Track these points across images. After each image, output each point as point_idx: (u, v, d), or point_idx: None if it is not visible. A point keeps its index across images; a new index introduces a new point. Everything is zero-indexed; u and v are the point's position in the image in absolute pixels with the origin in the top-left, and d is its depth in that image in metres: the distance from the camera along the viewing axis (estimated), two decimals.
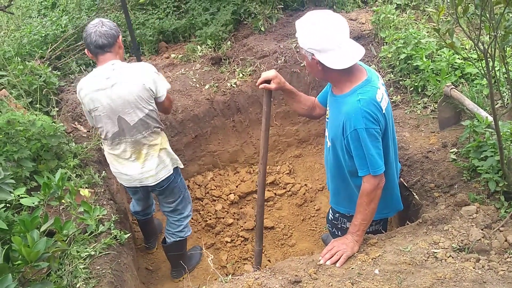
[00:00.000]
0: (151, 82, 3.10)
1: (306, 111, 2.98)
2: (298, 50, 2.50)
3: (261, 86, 2.74)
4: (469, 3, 2.18)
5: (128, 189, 3.60)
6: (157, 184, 3.39)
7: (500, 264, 2.34)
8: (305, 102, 2.94)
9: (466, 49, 4.31)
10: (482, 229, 2.59)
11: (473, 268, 2.31)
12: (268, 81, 2.73)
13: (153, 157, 3.29)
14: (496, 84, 3.21)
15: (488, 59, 2.30)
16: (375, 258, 2.45)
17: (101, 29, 2.99)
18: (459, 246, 2.49)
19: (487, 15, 2.13)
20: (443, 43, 4.31)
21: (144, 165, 3.29)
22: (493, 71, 2.35)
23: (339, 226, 2.98)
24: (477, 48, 2.24)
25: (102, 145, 3.53)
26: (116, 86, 3.01)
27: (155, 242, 4.35)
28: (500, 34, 2.15)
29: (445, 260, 2.38)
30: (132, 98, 3.04)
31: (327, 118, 2.69)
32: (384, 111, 2.42)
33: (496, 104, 2.72)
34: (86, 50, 3.13)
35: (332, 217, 3.03)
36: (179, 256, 3.91)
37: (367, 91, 2.38)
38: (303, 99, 2.93)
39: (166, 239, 3.82)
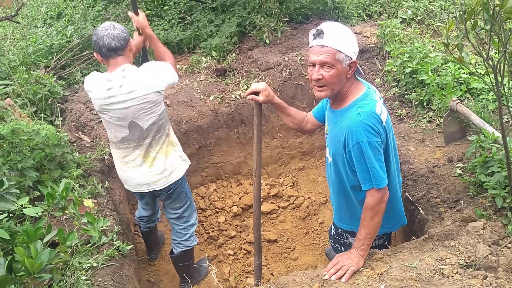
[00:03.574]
0: (161, 84, 3.13)
1: (297, 125, 2.96)
2: (325, 57, 2.34)
3: (249, 97, 2.74)
4: (478, 18, 2.17)
5: (135, 194, 3.58)
6: (165, 188, 3.38)
7: (508, 282, 2.30)
8: (296, 116, 2.93)
9: (471, 64, 4.31)
10: (489, 246, 2.55)
11: (481, 285, 2.27)
12: (257, 93, 2.72)
13: (161, 160, 3.30)
14: (503, 99, 3.20)
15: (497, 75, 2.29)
16: (380, 274, 2.41)
17: (114, 31, 2.99)
18: (466, 262, 2.45)
19: (496, 30, 2.12)
20: (448, 58, 4.34)
21: (152, 169, 3.28)
22: (502, 87, 2.33)
23: (342, 241, 2.93)
24: (486, 63, 2.23)
25: (110, 160, 3.51)
26: (130, 94, 3.03)
27: (158, 254, 4.31)
28: (510, 50, 2.14)
29: (452, 276, 2.34)
30: (146, 103, 3.08)
31: (326, 135, 2.68)
32: (384, 124, 2.41)
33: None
34: (95, 53, 3.10)
35: (334, 233, 2.99)
36: (187, 267, 3.87)
37: (366, 104, 2.37)
38: (293, 113, 2.92)
39: (173, 249, 3.78)
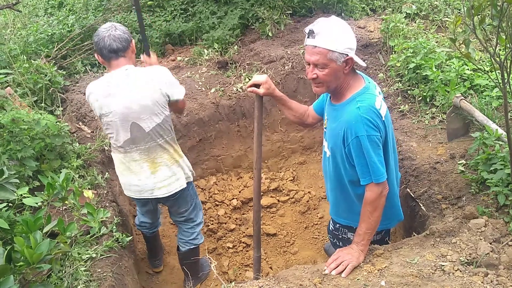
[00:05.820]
0: (167, 87, 3.00)
1: (298, 119, 2.96)
2: (317, 58, 2.33)
3: (249, 89, 2.73)
4: (485, 14, 2.14)
5: (137, 201, 3.44)
6: (169, 195, 3.25)
7: (509, 280, 2.30)
8: (297, 109, 2.92)
9: (475, 60, 4.28)
10: (490, 243, 2.54)
11: (482, 282, 2.26)
12: (258, 86, 2.71)
13: (166, 166, 3.16)
14: (508, 96, 3.18)
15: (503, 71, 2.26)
16: (381, 270, 2.41)
17: (115, 32, 2.86)
18: (467, 259, 2.44)
19: (504, 27, 2.09)
20: (453, 54, 4.32)
21: (156, 175, 3.14)
22: (508, 83, 2.31)
23: (341, 236, 2.93)
24: (492, 60, 2.20)
25: (110, 150, 3.41)
26: (132, 92, 2.89)
27: (161, 260, 4.19)
28: None
29: (453, 273, 2.34)
30: (149, 104, 2.93)
31: (325, 128, 2.67)
32: (383, 118, 2.40)
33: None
34: (96, 54, 2.97)
35: (333, 228, 2.98)
36: (193, 264, 3.76)
37: (366, 98, 2.37)
38: (294, 106, 2.92)
39: (180, 247, 3.68)
